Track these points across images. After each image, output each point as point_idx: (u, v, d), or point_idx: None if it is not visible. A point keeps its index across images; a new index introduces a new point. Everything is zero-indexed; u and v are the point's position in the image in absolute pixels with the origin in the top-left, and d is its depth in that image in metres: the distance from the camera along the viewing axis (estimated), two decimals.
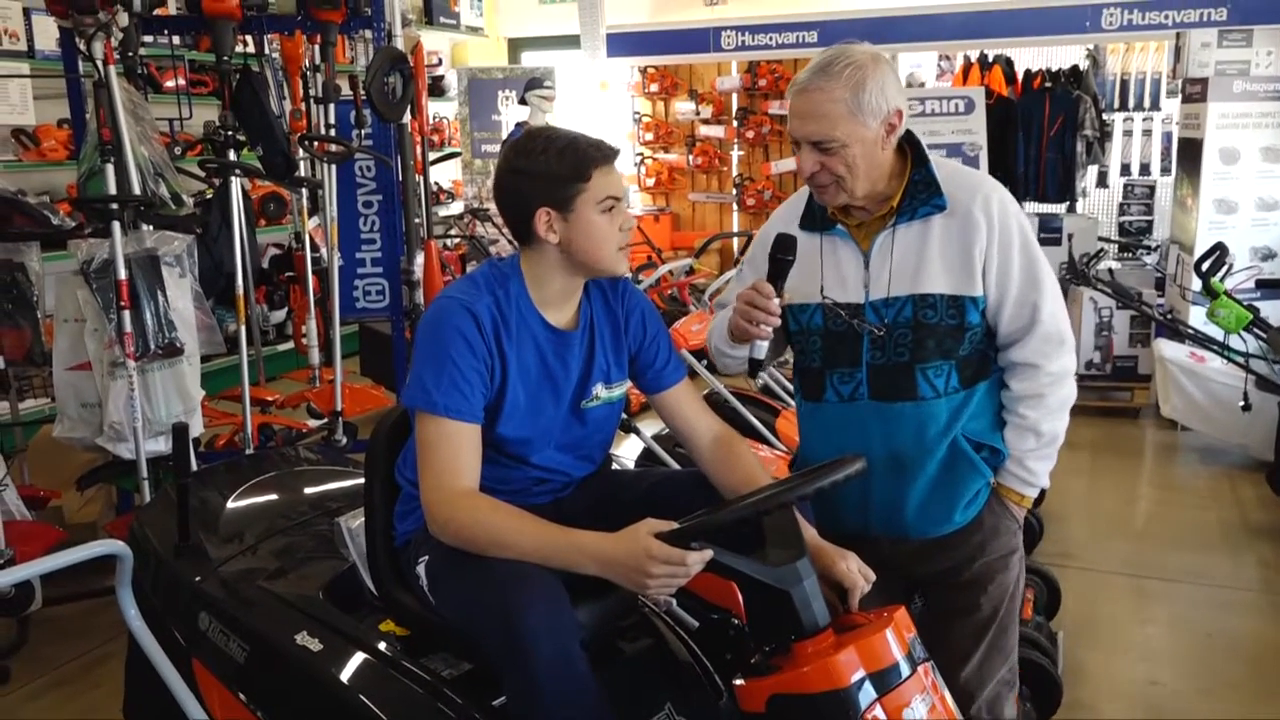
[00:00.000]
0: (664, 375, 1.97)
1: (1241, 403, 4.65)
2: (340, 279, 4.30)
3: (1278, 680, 3.18)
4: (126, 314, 3.28)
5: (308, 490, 2.63)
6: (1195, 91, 6.01)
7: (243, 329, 3.98)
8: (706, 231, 9.23)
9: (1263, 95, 5.77)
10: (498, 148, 7.33)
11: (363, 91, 4.08)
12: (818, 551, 1.69)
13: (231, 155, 3.96)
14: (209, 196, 4.63)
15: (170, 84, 5.28)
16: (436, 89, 9.05)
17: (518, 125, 7.15)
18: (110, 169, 3.31)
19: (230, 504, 2.50)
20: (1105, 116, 7.31)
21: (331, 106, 4.12)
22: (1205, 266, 4.60)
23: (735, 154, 9.81)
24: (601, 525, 1.63)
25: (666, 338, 2.00)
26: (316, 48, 4.24)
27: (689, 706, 1.87)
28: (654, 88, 9.84)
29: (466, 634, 1.73)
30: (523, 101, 7.13)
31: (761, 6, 8.95)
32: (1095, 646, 3.36)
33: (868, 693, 1.51)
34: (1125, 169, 7.65)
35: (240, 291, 3.97)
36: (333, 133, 4.12)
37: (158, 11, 3.74)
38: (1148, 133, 7.61)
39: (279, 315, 6.36)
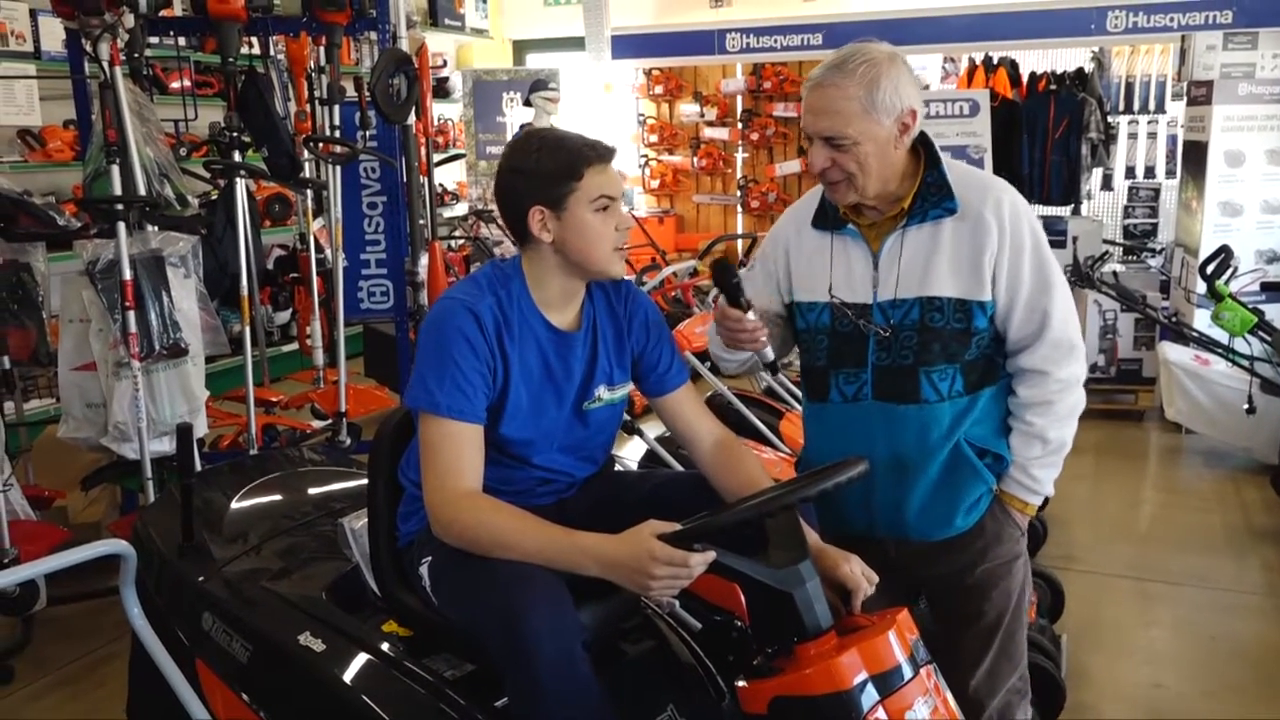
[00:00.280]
0: (667, 379, 1.97)
1: (1246, 406, 4.64)
2: (345, 280, 4.30)
3: None
4: (131, 314, 3.28)
5: (311, 491, 2.64)
6: (1200, 94, 6.01)
7: (247, 330, 3.99)
8: (711, 233, 9.21)
9: (1268, 98, 5.76)
10: (502, 150, 7.34)
11: (367, 93, 4.08)
12: (820, 554, 1.69)
13: (236, 156, 3.97)
14: (214, 198, 4.65)
15: (175, 85, 5.29)
16: (441, 90, 9.05)
17: (522, 127, 7.15)
18: (115, 170, 3.32)
19: (234, 504, 2.50)
20: (1110, 119, 7.30)
21: (336, 108, 4.13)
22: (1210, 269, 4.59)
23: (740, 156, 9.80)
24: (604, 526, 1.64)
25: (670, 341, 2.00)
26: (321, 49, 4.24)
27: (691, 708, 1.87)
28: (658, 90, 9.84)
29: (469, 635, 1.73)
30: (527, 103, 7.14)
31: (766, 9, 8.94)
32: (1099, 649, 3.35)
33: (870, 695, 1.51)
34: (1130, 172, 7.63)
35: (245, 292, 3.98)
36: (337, 134, 4.13)
37: (163, 13, 3.75)
38: (1153, 135, 7.58)
39: (284, 316, 6.36)
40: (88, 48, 3.38)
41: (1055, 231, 6.25)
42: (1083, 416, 2.01)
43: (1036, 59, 7.86)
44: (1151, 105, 7.57)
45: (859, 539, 1.99)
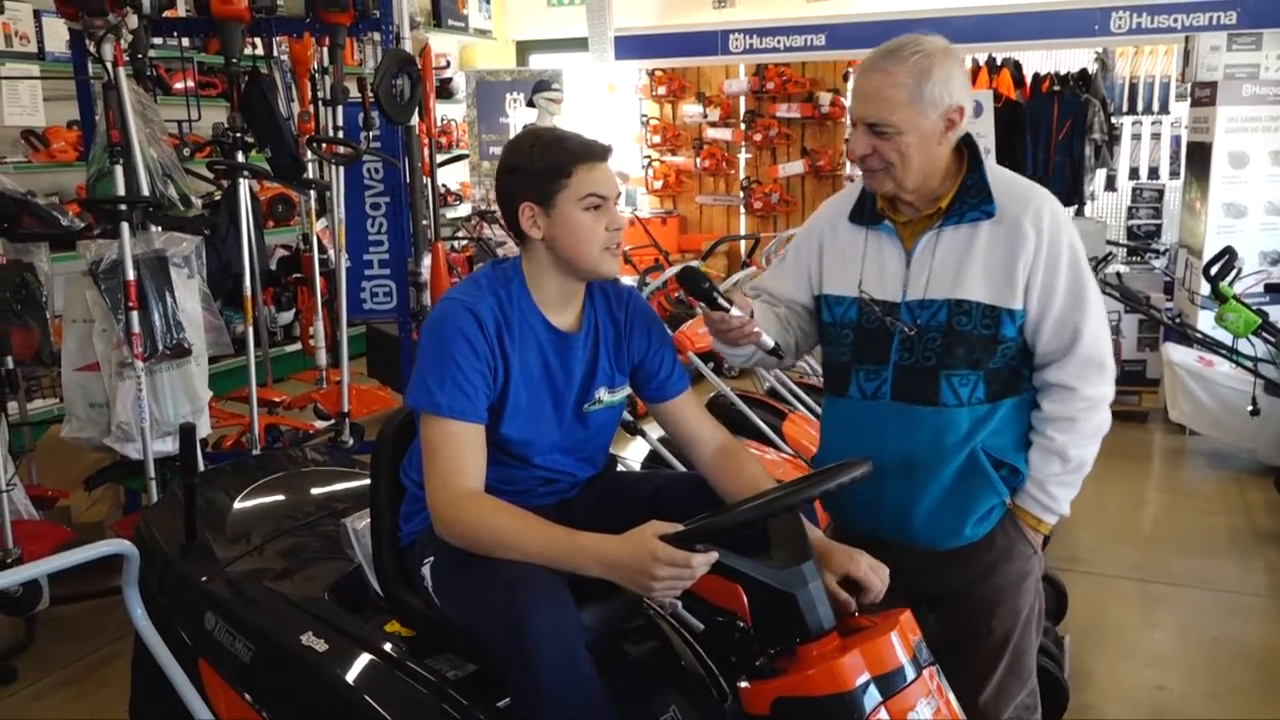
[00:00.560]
0: (667, 386, 1.97)
1: (1250, 407, 4.63)
2: (348, 280, 4.31)
3: None
4: (135, 315, 3.29)
5: (314, 491, 2.63)
6: (1204, 95, 6.00)
7: (250, 330, 3.99)
8: (714, 234, 9.21)
9: (1272, 99, 5.75)
10: None
11: (371, 94, 4.09)
12: (827, 553, 1.69)
13: (240, 157, 3.97)
14: (217, 198, 4.66)
15: (179, 86, 5.29)
16: (444, 91, 9.05)
17: (525, 128, 7.16)
18: (119, 170, 3.32)
19: (237, 504, 2.50)
20: (1114, 120, 7.29)
21: (339, 108, 4.13)
22: (1214, 270, 4.59)
23: (743, 157, 9.79)
24: (607, 526, 1.63)
25: (670, 348, 2.00)
26: (325, 50, 4.25)
27: (693, 709, 1.86)
28: (662, 90, 9.83)
29: (471, 635, 1.74)
30: (530, 104, 7.13)
31: (769, 9, 8.94)
32: (1102, 651, 3.34)
33: (873, 696, 1.51)
34: (1134, 172, 7.62)
35: (248, 293, 3.98)
36: (340, 134, 4.13)
37: (167, 14, 3.75)
38: (1156, 136, 7.58)
39: (287, 316, 6.37)
40: (91, 48, 3.38)
41: None
42: None
43: (1040, 60, 7.85)
44: (1155, 106, 7.56)
45: (864, 539, 1.96)
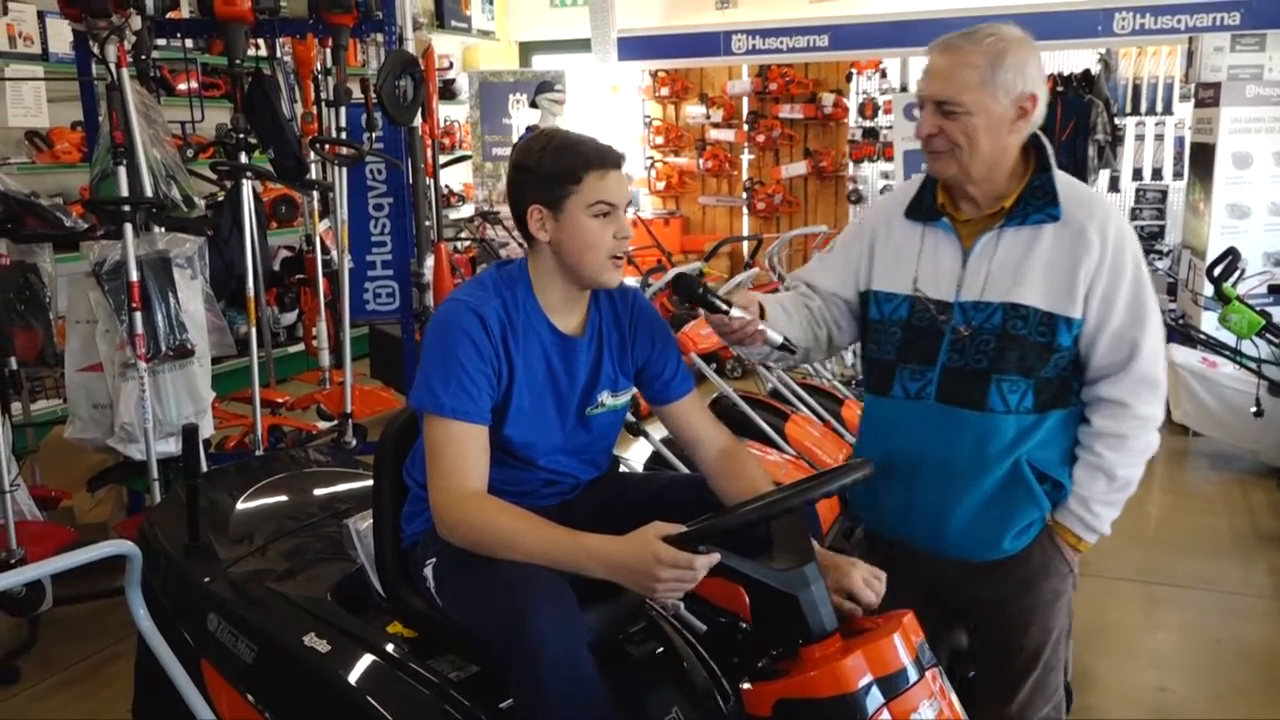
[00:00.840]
0: (671, 388, 1.96)
1: (1254, 409, 4.62)
2: (351, 281, 4.31)
3: None
4: (138, 315, 3.29)
5: (317, 492, 2.63)
6: (1208, 96, 5.99)
7: (253, 331, 3.99)
8: (717, 235, 9.22)
9: (1276, 100, 5.74)
10: (508, 151, 7.34)
11: (374, 95, 4.09)
12: (828, 565, 1.68)
13: (243, 158, 3.98)
14: (220, 199, 4.66)
15: (183, 87, 5.30)
16: (447, 92, 9.06)
17: (528, 129, 7.16)
18: (122, 171, 3.32)
19: (239, 505, 2.50)
20: (1117, 121, 7.28)
21: (342, 109, 4.13)
22: (1217, 271, 4.58)
23: (745, 158, 9.80)
24: (609, 528, 1.63)
25: (675, 350, 1.99)
26: (328, 51, 4.25)
27: (696, 710, 1.86)
28: (665, 91, 9.84)
29: (474, 636, 1.74)
30: (533, 105, 7.14)
31: (772, 10, 8.93)
32: (1105, 653, 3.34)
33: (875, 697, 1.51)
34: (1137, 173, 7.61)
35: (251, 294, 3.98)
36: (343, 136, 4.13)
37: (170, 15, 3.76)
38: (1160, 137, 7.57)
39: (290, 317, 6.38)
40: (95, 50, 3.39)
41: None
42: None
43: (1043, 60, 7.84)
44: (1159, 107, 7.55)
45: (895, 545, 1.98)
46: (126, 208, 3.27)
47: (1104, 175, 7.36)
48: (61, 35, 5.14)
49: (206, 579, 2.21)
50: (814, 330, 2.05)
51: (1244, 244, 5.19)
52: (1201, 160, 6.05)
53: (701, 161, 9.82)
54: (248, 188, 4.03)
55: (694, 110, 9.79)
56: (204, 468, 3.32)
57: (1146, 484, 5.01)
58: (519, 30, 10.22)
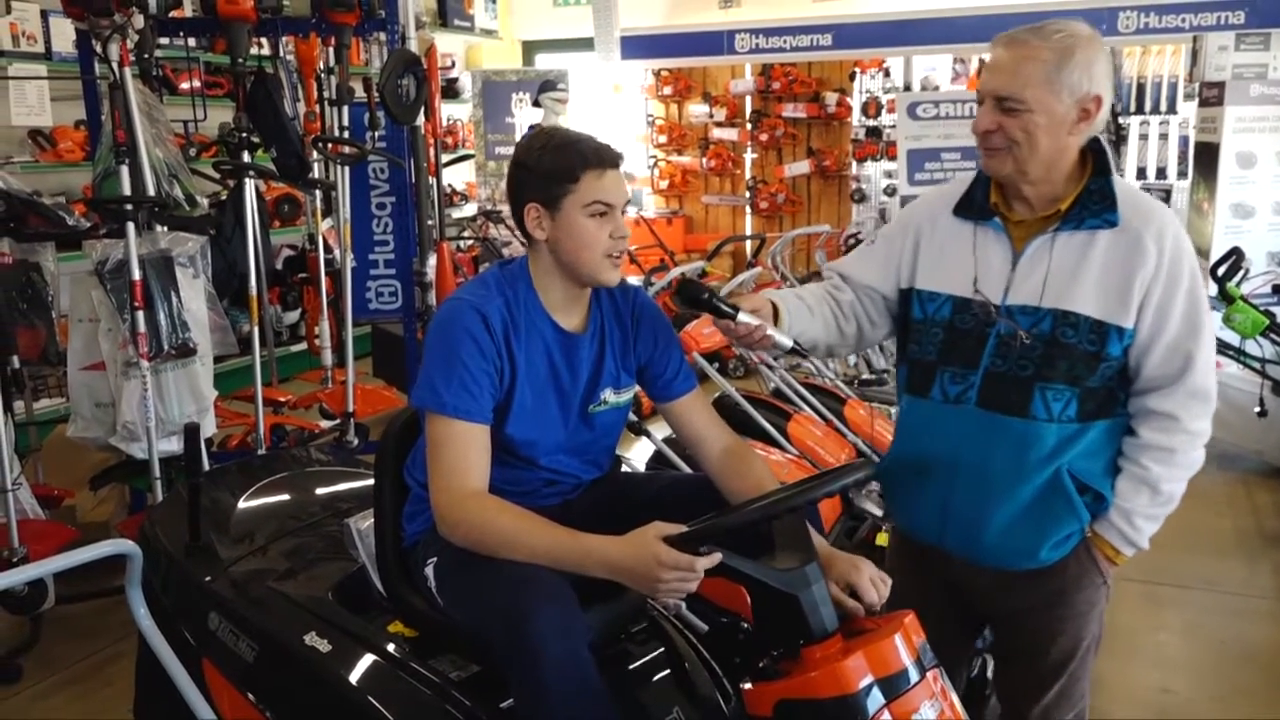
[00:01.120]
0: (674, 385, 1.95)
1: (1258, 409, 4.61)
2: (353, 280, 4.31)
3: None
4: (140, 314, 3.29)
5: (318, 491, 2.62)
6: (1212, 95, 5.97)
7: (255, 330, 3.99)
8: (720, 234, 9.22)
9: None
10: (511, 150, 7.37)
11: (376, 94, 4.09)
12: (830, 560, 1.67)
13: (245, 157, 3.97)
14: (224, 198, 4.66)
15: (186, 86, 5.31)
16: (450, 91, 9.06)
17: (531, 128, 7.17)
18: (125, 170, 3.32)
19: (241, 504, 2.49)
20: (1121, 120, 7.27)
21: (345, 108, 4.13)
22: (1221, 271, 4.57)
23: (749, 157, 9.80)
24: (611, 527, 1.63)
25: (677, 347, 1.98)
26: (331, 50, 4.25)
27: (697, 711, 1.86)
28: (668, 90, 9.85)
29: (474, 635, 1.73)
30: (536, 104, 7.14)
31: (776, 9, 8.93)
32: (1108, 654, 3.30)
33: (876, 698, 1.50)
34: (1141, 173, 7.59)
35: (253, 292, 3.98)
36: (346, 135, 4.13)
37: (173, 14, 3.76)
38: (1164, 136, 7.55)
39: (293, 316, 6.37)
40: (98, 49, 3.39)
41: None
42: None
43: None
44: (1163, 106, 7.54)
45: (928, 548, 1.95)
46: (129, 207, 3.27)
47: None
48: (65, 34, 5.14)
49: (207, 578, 2.21)
50: (840, 325, 2.01)
51: (1248, 244, 5.18)
52: (1205, 160, 6.03)
53: (704, 160, 9.83)
54: (250, 187, 4.02)
55: (697, 109, 9.79)
56: (206, 466, 3.35)
57: None
58: (522, 29, 10.23)
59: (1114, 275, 1.76)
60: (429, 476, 1.76)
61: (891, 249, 1.99)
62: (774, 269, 6.53)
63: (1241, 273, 4.59)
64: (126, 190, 3.32)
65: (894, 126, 8.12)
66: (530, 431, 1.82)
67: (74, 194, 5.32)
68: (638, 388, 1.98)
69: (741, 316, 1.81)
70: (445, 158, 5.90)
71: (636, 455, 3.91)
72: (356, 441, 4.10)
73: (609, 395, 1.90)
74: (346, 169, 4.23)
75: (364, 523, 2.06)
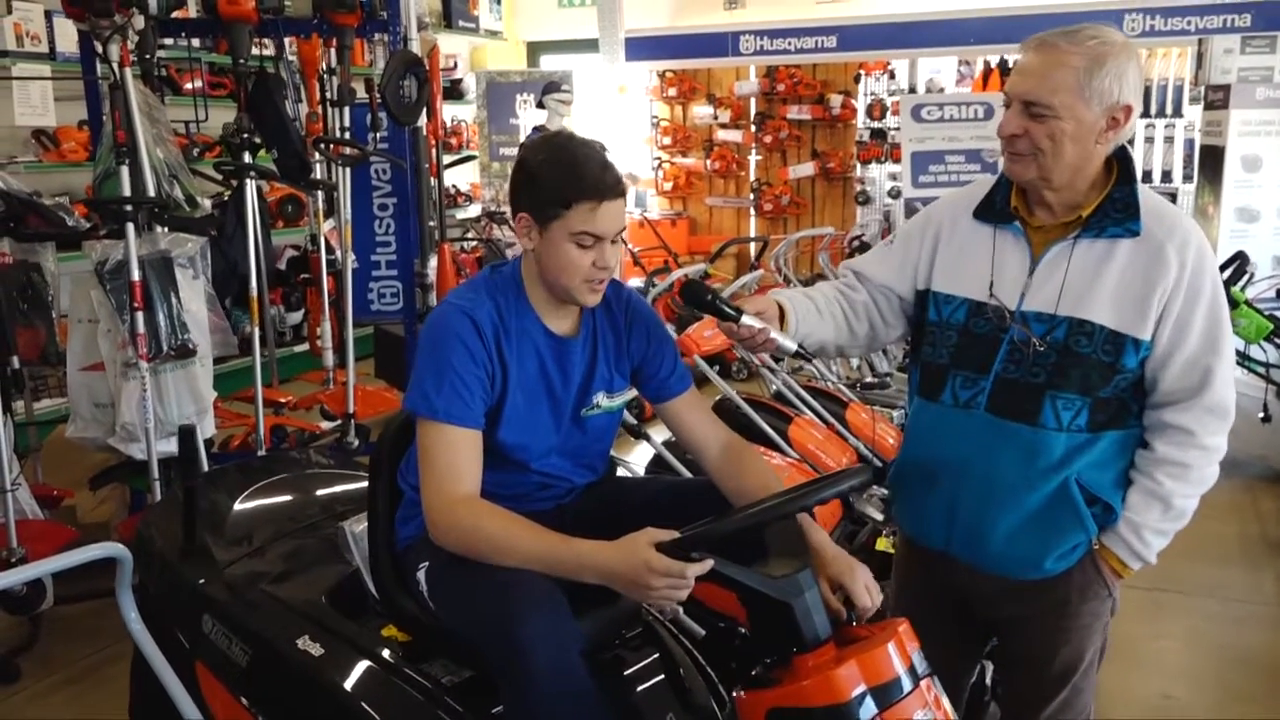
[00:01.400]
0: (669, 385, 1.94)
1: (1261, 414, 4.59)
2: (356, 281, 4.31)
3: None
4: (140, 315, 3.28)
5: (315, 493, 2.62)
6: (1217, 98, 5.95)
7: (256, 330, 3.99)
8: (724, 236, 9.20)
9: None
10: (515, 151, 7.36)
11: (378, 95, 4.08)
12: (827, 559, 1.66)
13: (247, 157, 3.97)
14: (227, 198, 4.65)
15: (190, 86, 5.31)
16: (455, 92, 9.07)
17: (535, 129, 7.16)
18: (124, 171, 3.32)
19: (237, 506, 2.49)
20: None
21: (346, 109, 4.12)
22: (1225, 275, 4.55)
23: (753, 158, 9.79)
24: (605, 532, 1.61)
25: (671, 347, 1.97)
26: (333, 51, 4.25)
27: (691, 718, 1.84)
28: (672, 92, 9.84)
29: (466, 641, 1.72)
30: (540, 105, 7.13)
31: (780, 11, 8.92)
32: (1109, 659, 3.27)
33: (868, 707, 1.49)
34: (1146, 176, 7.58)
35: (254, 293, 3.98)
36: (347, 135, 4.13)
37: (176, 14, 3.76)
38: (1169, 139, 7.53)
39: (296, 316, 6.37)
40: (99, 49, 3.39)
41: None
42: None
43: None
44: (1168, 109, 7.51)
45: (934, 554, 1.94)
46: (129, 207, 3.27)
47: None
48: (68, 34, 5.14)
49: (201, 580, 2.20)
50: (850, 325, 1.99)
51: (1253, 248, 5.16)
52: (1210, 163, 6.01)
53: (709, 162, 9.82)
54: (251, 187, 4.02)
55: (701, 111, 9.78)
56: (205, 467, 3.35)
57: None
58: (527, 30, 10.23)
59: (1133, 286, 1.73)
60: (420, 481, 1.75)
61: (910, 249, 1.97)
62: (777, 271, 6.52)
63: (1246, 277, 4.58)
64: (126, 191, 3.32)
65: (899, 129, 8.11)
66: (522, 436, 1.82)
67: (77, 194, 5.33)
68: (633, 391, 1.97)
69: (745, 319, 1.79)
70: (449, 159, 5.90)
71: (636, 459, 3.90)
72: (357, 443, 4.10)
73: (601, 399, 1.89)
74: (347, 170, 4.22)
75: (358, 526, 2.05)
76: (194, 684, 2.10)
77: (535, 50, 10.32)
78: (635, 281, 6.90)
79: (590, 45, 9.14)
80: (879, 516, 3.48)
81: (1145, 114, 7.57)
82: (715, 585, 1.57)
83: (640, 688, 1.88)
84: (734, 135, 9.71)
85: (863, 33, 8.46)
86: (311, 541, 2.34)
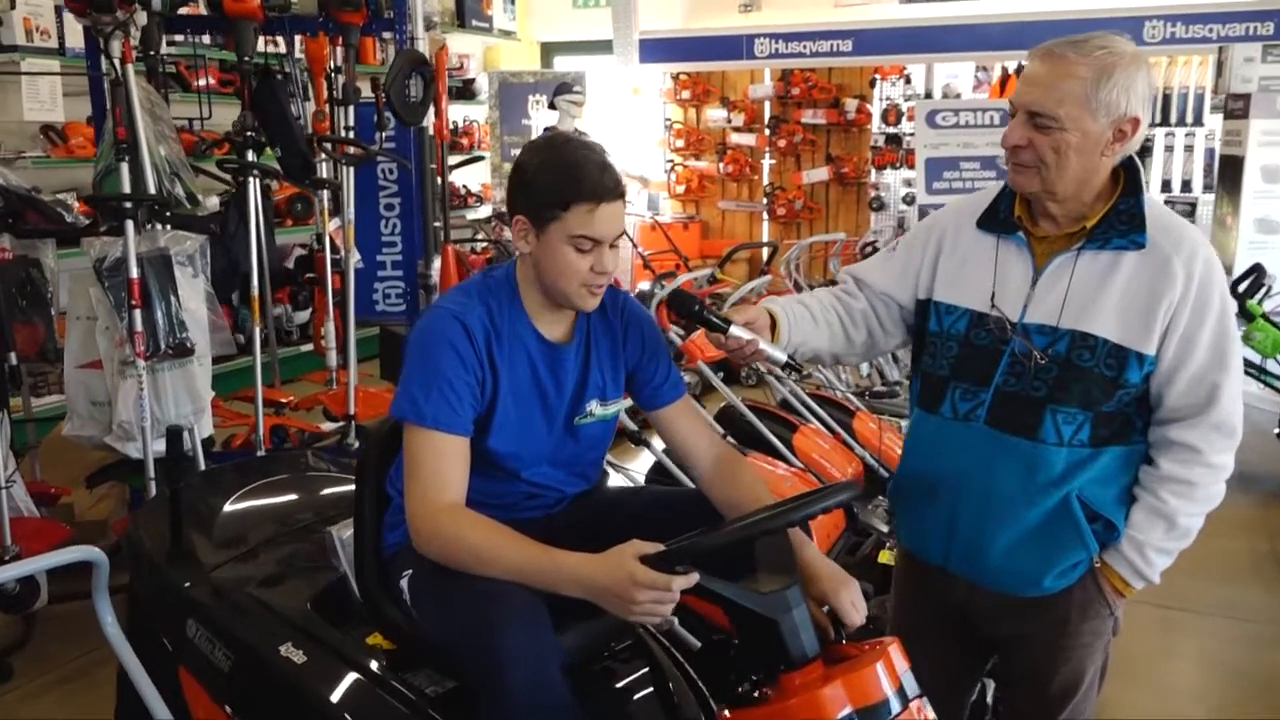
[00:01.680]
0: (661, 393, 1.91)
1: (1277, 430, 4.51)
2: (361, 281, 4.29)
3: None
4: (138, 313, 3.26)
5: (308, 496, 2.58)
6: (1238, 107, 5.87)
7: (257, 329, 3.97)
8: (736, 240, 9.14)
9: None
10: None
11: (383, 94, 4.06)
12: (817, 575, 1.63)
13: (250, 155, 3.95)
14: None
15: (199, 83, 5.30)
16: (467, 92, 9.05)
17: (546, 130, 7.13)
18: (124, 167, 3.30)
19: (228, 507, 2.46)
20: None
21: (351, 108, 4.10)
22: (1243, 288, 4.48)
23: (766, 162, 9.73)
24: (593, 543, 1.58)
25: (665, 353, 1.95)
26: (339, 49, 4.23)
27: None
28: (686, 94, 9.79)
29: (447, 651, 1.70)
30: (552, 106, 7.10)
31: (796, 14, 8.87)
32: (1121, 680, 3.22)
33: None
34: (1165, 185, 7.49)
35: (255, 292, 3.95)
36: (351, 134, 4.10)
37: (185, 10, 3.74)
38: (1189, 149, 7.44)
39: (303, 316, 6.35)
40: (102, 44, 3.37)
41: None
42: None
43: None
44: (1189, 118, 7.43)
45: (933, 569, 1.91)
46: (128, 204, 3.25)
47: None
48: (77, 29, 5.10)
49: (187, 584, 2.17)
50: (847, 332, 1.97)
51: (1271, 260, 5.09)
52: (1230, 173, 5.93)
53: (722, 166, 9.77)
54: (253, 185, 3.99)
55: (715, 114, 9.73)
56: (202, 467, 3.33)
57: None
58: (540, 31, 10.21)
59: (1138, 299, 1.70)
60: (405, 488, 1.73)
61: (912, 257, 1.95)
62: (788, 276, 6.46)
63: (1263, 290, 4.50)
64: (126, 188, 3.30)
65: (914, 134, 8.05)
66: (513, 444, 1.79)
67: (84, 190, 5.31)
68: (629, 399, 1.94)
69: (734, 330, 1.77)
70: (458, 159, 5.87)
71: (638, 466, 3.85)
72: (358, 444, 4.07)
73: (595, 407, 1.87)
74: (351, 169, 4.20)
75: (347, 531, 2.01)
76: (177, 690, 2.07)
77: (549, 51, 10.30)
78: (643, 285, 6.86)
79: (604, 47, 9.11)
80: (884, 528, 3.43)
81: (1165, 122, 7.48)
82: (703, 599, 1.53)
83: (625, 702, 1.84)
84: (748, 139, 9.66)
85: (879, 37, 8.40)
86: (301, 546, 2.30)
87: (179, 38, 4.74)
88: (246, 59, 3.79)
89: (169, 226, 3.46)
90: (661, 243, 7.92)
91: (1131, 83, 1.66)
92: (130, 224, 3.24)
